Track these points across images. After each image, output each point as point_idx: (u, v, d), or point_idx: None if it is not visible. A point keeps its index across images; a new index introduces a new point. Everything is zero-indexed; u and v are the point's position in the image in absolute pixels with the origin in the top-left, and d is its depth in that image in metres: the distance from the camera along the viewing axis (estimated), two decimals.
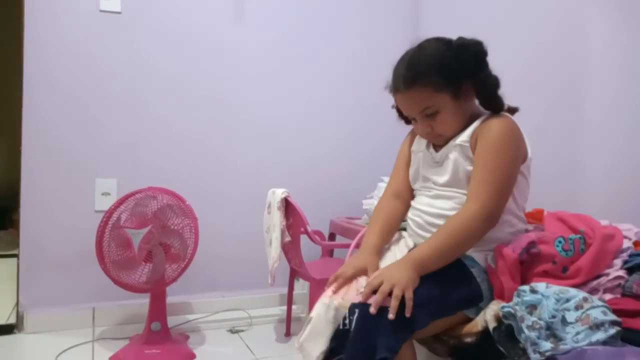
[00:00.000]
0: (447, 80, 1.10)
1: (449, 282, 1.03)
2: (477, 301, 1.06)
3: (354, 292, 1.03)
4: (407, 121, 1.27)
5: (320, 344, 0.98)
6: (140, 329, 1.84)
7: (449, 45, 1.13)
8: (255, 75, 2.22)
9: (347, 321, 0.96)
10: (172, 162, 2.09)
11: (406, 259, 1.05)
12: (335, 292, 1.04)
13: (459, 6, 2.16)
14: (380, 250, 1.18)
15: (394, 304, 0.93)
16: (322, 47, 2.33)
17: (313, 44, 2.32)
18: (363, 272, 1.08)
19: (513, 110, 1.20)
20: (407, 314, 0.93)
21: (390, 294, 0.95)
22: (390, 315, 0.92)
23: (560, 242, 1.05)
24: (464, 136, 1.13)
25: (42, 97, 1.91)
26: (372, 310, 0.93)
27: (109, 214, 1.70)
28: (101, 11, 1.96)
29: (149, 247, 1.70)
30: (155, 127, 2.07)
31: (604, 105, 1.49)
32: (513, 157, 1.10)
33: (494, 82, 1.14)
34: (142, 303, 1.89)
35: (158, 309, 1.78)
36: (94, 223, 1.71)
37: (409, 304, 0.94)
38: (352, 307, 0.97)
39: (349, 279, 1.07)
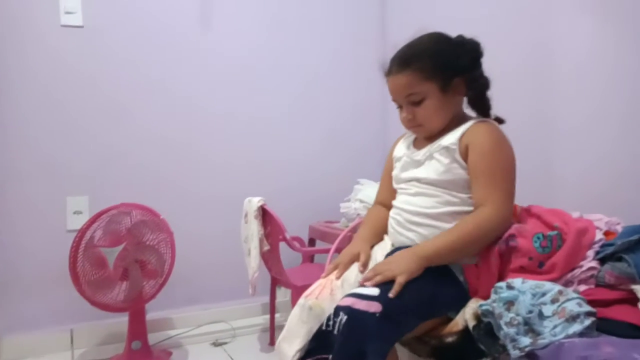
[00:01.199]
0: (439, 69, 1.12)
1: (436, 284, 1.03)
2: (464, 302, 1.06)
3: (328, 292, 1.08)
4: None
5: (296, 344, 1.03)
6: (121, 349, 1.80)
7: (448, 40, 1.17)
8: (228, 84, 2.19)
9: (330, 322, 0.96)
10: (144, 176, 2.05)
11: (413, 251, 1.06)
12: (337, 277, 1.13)
13: (425, 13, 2.18)
14: (372, 242, 1.24)
15: (396, 290, 0.97)
16: (298, 50, 2.32)
17: (289, 47, 2.31)
18: (357, 257, 1.17)
19: (500, 121, 1.21)
20: (391, 295, 0.96)
21: (371, 297, 0.96)
22: (390, 294, 0.96)
23: (538, 238, 1.06)
24: (452, 138, 1.13)
25: (8, 116, 1.86)
26: (368, 284, 1.00)
27: (81, 233, 1.66)
28: (62, 26, 1.91)
29: (124, 264, 1.66)
30: (125, 142, 2.03)
31: (577, 102, 1.52)
32: (511, 159, 1.13)
33: (485, 83, 1.17)
34: (121, 322, 1.85)
35: (137, 327, 1.75)
36: (66, 243, 1.68)
37: (396, 288, 0.97)
38: (337, 310, 0.96)
39: (347, 265, 1.16)
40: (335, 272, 1.16)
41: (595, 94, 1.45)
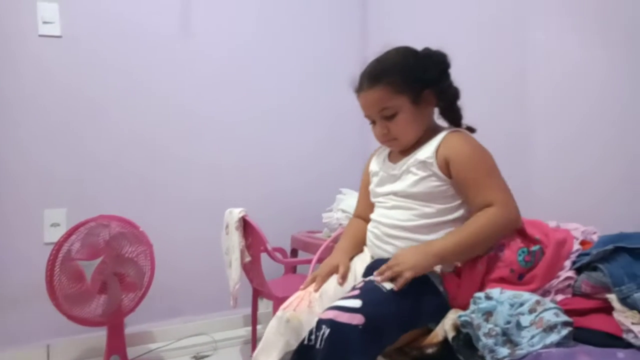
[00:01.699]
0: (409, 83, 1.13)
1: (416, 295, 1.03)
2: (444, 312, 1.06)
3: (306, 304, 1.08)
4: None
5: (273, 357, 1.03)
6: None
7: (415, 53, 1.18)
8: (208, 92, 2.19)
9: (312, 337, 0.94)
10: (123, 188, 2.02)
11: (425, 248, 1.05)
12: (316, 290, 1.13)
13: (405, 20, 2.20)
14: (351, 254, 1.24)
15: (400, 284, 0.99)
16: (282, 57, 2.33)
17: (274, 55, 2.31)
18: (336, 269, 1.17)
19: (471, 130, 1.22)
20: (396, 288, 0.99)
21: (353, 309, 0.95)
22: (395, 288, 0.99)
23: (523, 252, 1.07)
24: (427, 152, 1.14)
25: None
26: (378, 279, 1.02)
27: (58, 246, 1.63)
28: (40, 36, 1.89)
29: (102, 277, 1.63)
30: (104, 152, 2.00)
31: (550, 106, 1.55)
32: (493, 160, 1.14)
33: (454, 93, 1.19)
34: (99, 336, 1.82)
35: (116, 341, 1.72)
36: (44, 256, 1.64)
37: (401, 282, 0.99)
38: (319, 323, 0.95)
39: (325, 277, 1.16)
40: (313, 285, 1.15)
41: (573, 113, 1.48)
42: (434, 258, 1.04)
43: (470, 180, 1.10)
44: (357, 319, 0.93)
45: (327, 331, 0.92)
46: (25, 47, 1.88)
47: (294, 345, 1.02)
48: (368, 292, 1.00)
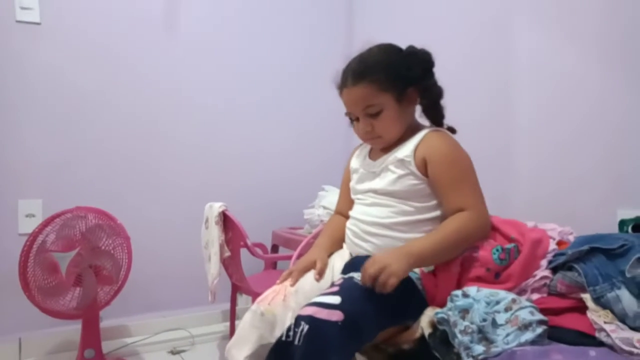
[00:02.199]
0: (393, 81, 1.13)
1: (396, 292, 1.01)
2: (422, 310, 1.06)
3: (281, 298, 1.09)
4: None
5: (245, 350, 1.03)
6: (73, 358, 1.73)
7: (399, 51, 1.18)
8: (188, 84, 2.16)
9: (291, 333, 0.93)
10: (101, 180, 1.99)
11: (405, 250, 1.03)
12: (292, 284, 1.13)
13: (392, 21, 2.20)
14: (329, 251, 1.24)
15: (377, 288, 0.96)
16: (268, 52, 2.32)
17: (256, 49, 2.29)
18: (313, 265, 1.17)
19: (452, 130, 1.22)
20: (387, 287, 0.96)
21: (333, 306, 0.94)
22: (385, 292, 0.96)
23: (497, 250, 1.08)
24: (406, 151, 1.14)
25: None
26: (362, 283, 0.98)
27: (33, 237, 1.60)
28: (18, 22, 1.84)
29: (78, 270, 1.60)
30: (82, 144, 1.96)
31: (533, 108, 1.57)
32: (471, 163, 1.14)
33: (438, 92, 1.18)
34: (73, 329, 1.79)
35: (91, 334, 1.69)
36: (17, 247, 1.60)
37: (387, 289, 0.96)
38: (298, 320, 0.94)
39: (302, 272, 1.16)
40: (289, 279, 1.15)
41: (560, 121, 1.50)
42: (414, 260, 1.02)
43: (444, 182, 1.10)
44: (337, 316, 0.92)
45: (306, 327, 0.91)
46: (1, 33, 1.83)
47: (268, 338, 1.03)
48: (347, 289, 0.99)
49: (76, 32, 1.94)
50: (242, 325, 1.08)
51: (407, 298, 1.05)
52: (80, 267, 1.61)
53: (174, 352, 1.95)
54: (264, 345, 1.03)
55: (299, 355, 0.90)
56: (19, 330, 1.85)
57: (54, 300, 1.60)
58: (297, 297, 1.10)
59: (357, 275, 1.02)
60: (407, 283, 1.07)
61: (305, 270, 1.17)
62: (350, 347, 0.93)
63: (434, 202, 1.13)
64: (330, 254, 1.23)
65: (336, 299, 0.96)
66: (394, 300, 1.01)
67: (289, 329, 0.94)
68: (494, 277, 1.06)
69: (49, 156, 1.91)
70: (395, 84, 1.13)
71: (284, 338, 0.94)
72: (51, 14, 1.89)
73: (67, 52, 1.93)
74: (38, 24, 1.87)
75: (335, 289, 1.00)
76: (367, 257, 1.07)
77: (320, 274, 1.16)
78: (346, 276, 1.05)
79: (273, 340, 1.01)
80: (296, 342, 0.91)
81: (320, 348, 0.90)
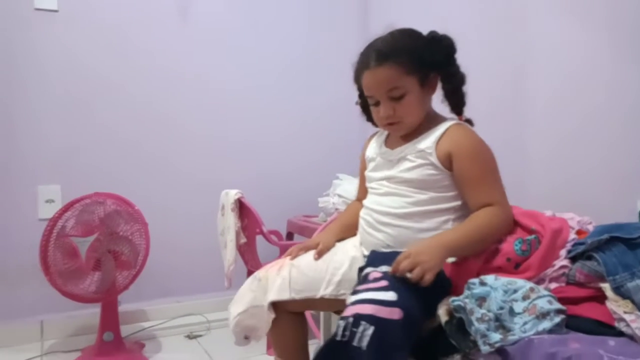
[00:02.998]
0: (418, 64, 1.11)
1: (433, 285, 0.97)
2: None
3: (277, 268, 1.18)
4: (369, 117, 1.25)
5: (239, 307, 1.18)
6: (92, 340, 1.77)
7: (422, 36, 1.16)
8: (204, 72, 2.17)
9: (347, 332, 0.86)
10: (118, 165, 2.02)
11: (438, 242, 1.01)
12: (291, 258, 1.20)
13: (407, 7, 2.18)
14: (339, 236, 1.27)
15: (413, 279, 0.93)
16: (279, 39, 2.31)
17: (268, 35, 2.29)
18: (316, 245, 1.21)
19: (470, 123, 1.20)
20: (424, 283, 0.93)
21: (391, 303, 0.89)
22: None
23: (520, 242, 1.07)
24: (428, 142, 1.12)
25: None
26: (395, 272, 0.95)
27: (53, 222, 1.63)
28: (36, 9, 1.86)
29: (97, 255, 1.63)
30: (99, 129, 1.99)
31: (550, 100, 1.54)
32: (494, 159, 1.13)
33: (461, 78, 1.16)
34: (93, 313, 1.82)
35: (110, 318, 1.72)
36: (38, 232, 1.63)
37: (424, 284, 0.93)
38: (357, 319, 0.87)
39: (303, 250, 1.22)
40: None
41: (573, 109, 1.48)
42: (447, 252, 1.01)
43: (472, 177, 1.09)
44: (397, 314, 0.87)
45: (371, 329, 0.85)
46: (20, 21, 1.85)
47: (261, 300, 1.15)
48: (398, 283, 0.94)
49: (93, 19, 1.96)
50: (242, 287, 1.22)
51: (440, 289, 1.02)
52: (99, 252, 1.64)
53: (190, 337, 1.98)
54: (256, 306, 1.16)
55: (368, 357, 0.85)
56: (40, 313, 1.90)
57: (74, 284, 1.64)
58: (291, 269, 1.17)
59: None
60: (439, 274, 1.02)
61: (307, 249, 1.22)
62: (409, 344, 0.90)
63: (450, 194, 1.12)
64: (340, 240, 1.25)
65: (392, 295, 0.90)
66: (432, 292, 0.98)
67: (344, 329, 0.87)
68: (514, 267, 1.05)
69: (67, 142, 1.94)
70: (420, 68, 1.11)
71: (338, 338, 0.87)
72: (68, 1, 1.91)
73: (83, 39, 1.95)
74: (55, 11, 1.89)
75: (385, 283, 0.94)
76: (397, 252, 1.02)
77: (320, 255, 1.19)
78: (385, 271, 0.99)
79: (264, 302, 1.15)
80: (356, 342, 0.85)
81: (389, 350, 0.86)
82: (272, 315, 1.16)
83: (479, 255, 1.07)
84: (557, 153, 1.52)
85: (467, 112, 1.21)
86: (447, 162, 1.11)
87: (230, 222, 1.75)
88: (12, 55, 1.85)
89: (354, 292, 0.95)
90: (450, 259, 1.07)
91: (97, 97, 1.98)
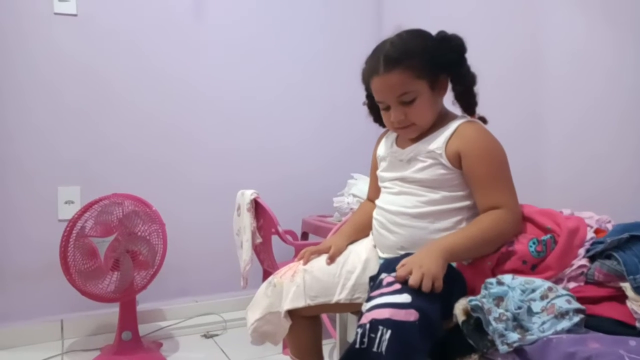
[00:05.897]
0: (428, 67, 1.09)
1: (448, 284, 0.97)
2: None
3: (291, 274, 1.17)
4: (377, 118, 1.25)
5: (257, 313, 1.18)
6: (111, 339, 1.80)
7: (431, 37, 1.13)
8: (221, 74, 2.18)
9: (365, 339, 0.86)
10: (137, 167, 2.04)
11: (436, 246, 1.00)
12: (304, 263, 1.18)
13: (420, 4, 2.17)
14: (352, 238, 1.26)
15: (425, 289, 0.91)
16: (292, 41, 2.32)
17: (282, 38, 2.30)
18: (328, 249, 1.20)
19: (484, 120, 1.19)
20: (437, 290, 0.91)
21: (407, 305, 0.89)
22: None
23: (534, 242, 1.06)
24: (438, 142, 1.11)
25: None
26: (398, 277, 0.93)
27: (72, 222, 1.65)
28: (56, 14, 1.89)
29: (115, 255, 1.65)
30: (117, 132, 2.02)
31: (562, 90, 1.53)
32: (506, 157, 1.11)
33: (472, 78, 1.15)
34: (111, 312, 1.85)
35: (128, 317, 1.75)
36: (57, 232, 1.67)
37: (437, 291, 0.92)
38: (375, 324, 0.86)
39: (315, 254, 1.21)
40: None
41: (589, 94, 1.45)
42: (448, 255, 0.99)
43: (480, 178, 1.08)
44: (413, 315, 0.87)
45: (389, 332, 0.85)
46: (39, 26, 1.88)
47: (276, 307, 1.15)
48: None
49: (111, 22, 1.99)
50: (258, 292, 1.21)
51: (457, 288, 1.02)
52: (118, 252, 1.66)
53: (207, 336, 2.00)
54: (272, 312, 1.16)
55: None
56: (61, 312, 1.93)
57: (94, 284, 1.66)
58: (305, 275, 1.16)
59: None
60: (453, 272, 1.03)
61: (319, 253, 1.21)
62: (428, 344, 0.88)
63: (462, 193, 1.12)
64: (352, 242, 1.24)
65: (406, 297, 0.90)
66: (447, 292, 0.97)
67: (363, 335, 0.86)
68: (531, 269, 1.04)
69: (87, 144, 1.97)
70: (430, 70, 1.10)
71: (357, 345, 0.86)
72: (87, 5, 1.94)
73: (101, 42, 1.98)
74: (74, 15, 1.92)
75: (398, 286, 0.93)
76: (401, 257, 1.03)
77: (332, 259, 1.18)
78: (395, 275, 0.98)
79: (280, 309, 1.14)
80: (375, 348, 0.84)
81: (409, 352, 0.85)
82: (289, 323, 1.16)
83: (493, 259, 1.06)
84: (573, 143, 1.50)
85: (482, 102, 1.19)
86: (457, 161, 1.10)
87: (246, 222, 1.76)
88: (32, 58, 1.88)
89: (369, 299, 0.94)
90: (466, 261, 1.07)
91: (115, 98, 2.01)
